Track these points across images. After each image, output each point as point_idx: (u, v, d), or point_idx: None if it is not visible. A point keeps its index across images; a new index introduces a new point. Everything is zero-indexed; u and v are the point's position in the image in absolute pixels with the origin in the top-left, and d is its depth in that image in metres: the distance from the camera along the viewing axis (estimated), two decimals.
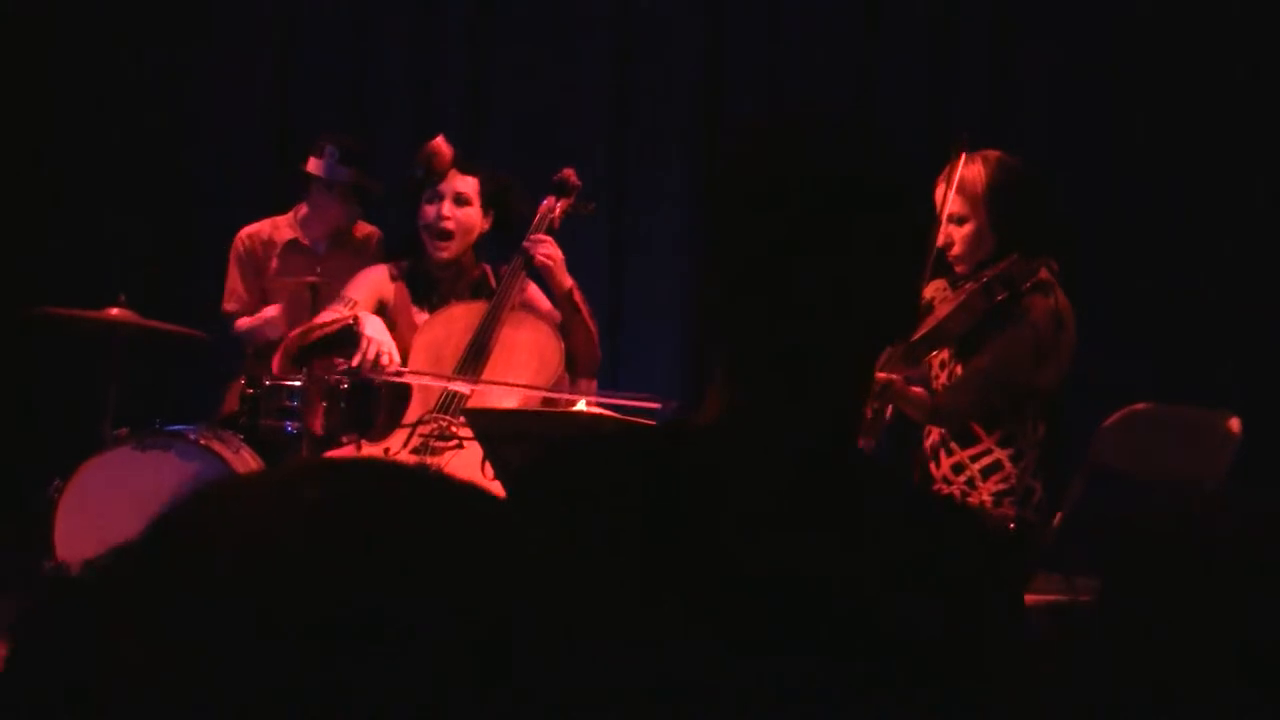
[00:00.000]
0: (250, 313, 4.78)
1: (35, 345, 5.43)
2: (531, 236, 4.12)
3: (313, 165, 4.71)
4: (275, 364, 4.31)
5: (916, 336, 3.66)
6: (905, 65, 5.26)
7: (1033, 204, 3.76)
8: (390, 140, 5.38)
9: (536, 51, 5.55)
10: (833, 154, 1.39)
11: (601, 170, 5.35)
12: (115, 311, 4.56)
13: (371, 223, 4.90)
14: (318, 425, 4.21)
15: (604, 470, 1.39)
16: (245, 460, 4.35)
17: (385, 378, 3.95)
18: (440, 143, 4.20)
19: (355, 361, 3.96)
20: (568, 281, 4.11)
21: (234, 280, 4.84)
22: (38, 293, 4.91)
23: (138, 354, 4.78)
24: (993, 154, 3.74)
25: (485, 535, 0.77)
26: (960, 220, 3.71)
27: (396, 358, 3.99)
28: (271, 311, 4.69)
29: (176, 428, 4.45)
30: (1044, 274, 3.68)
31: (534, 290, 4.22)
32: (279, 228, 4.85)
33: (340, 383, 4.14)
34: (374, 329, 4.00)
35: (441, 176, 4.15)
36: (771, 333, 1.37)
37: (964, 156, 3.70)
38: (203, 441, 4.35)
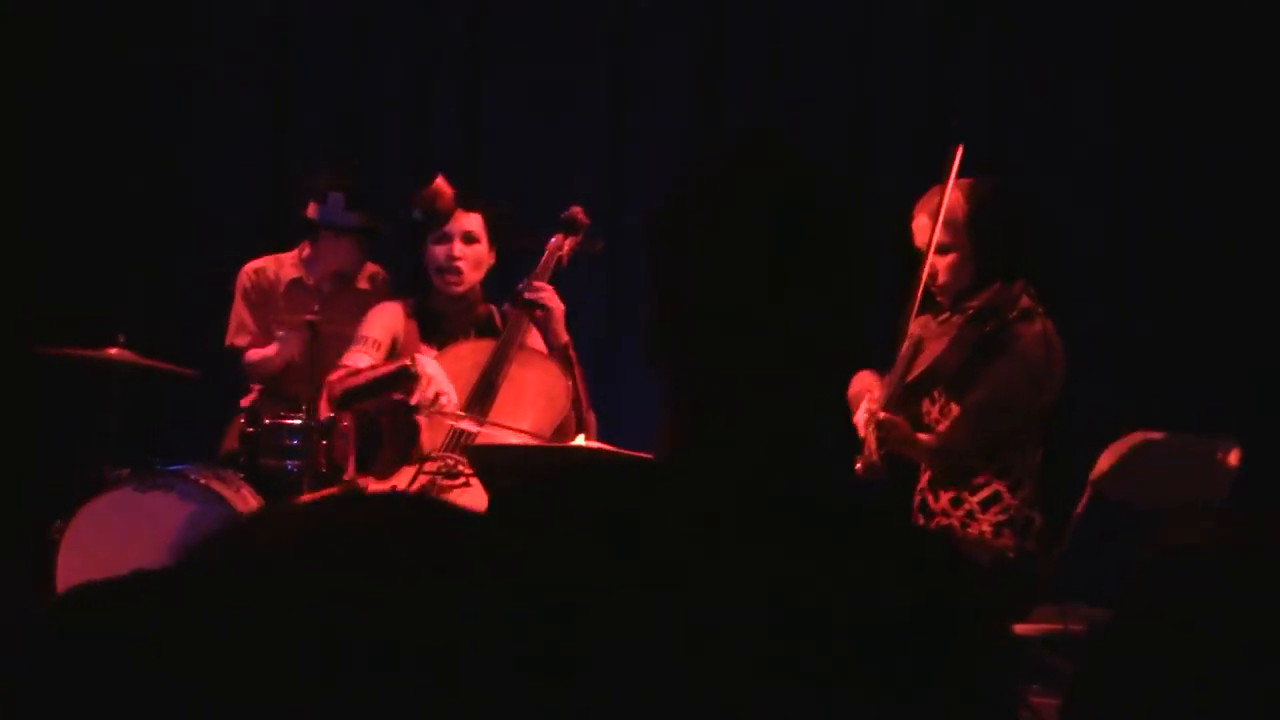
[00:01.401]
0: (261, 345, 4.77)
1: (35, 386, 5.42)
2: (534, 284, 4.13)
3: (316, 211, 4.68)
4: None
5: (912, 377, 3.63)
6: (899, 102, 5.27)
7: (1011, 228, 3.74)
8: (389, 174, 5.38)
9: (533, 86, 5.56)
10: (769, 190, 1.39)
11: (598, 209, 5.37)
12: (114, 351, 4.57)
13: (375, 259, 4.88)
14: (321, 462, 4.22)
15: (561, 506, 1.39)
16: (245, 499, 4.35)
17: (442, 418, 3.95)
18: (441, 183, 4.22)
19: (414, 400, 3.96)
20: (564, 336, 4.13)
21: (241, 314, 4.83)
22: (36, 333, 4.91)
23: (137, 393, 4.78)
24: (966, 181, 3.71)
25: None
26: (943, 250, 3.68)
27: (454, 399, 3.99)
28: (271, 350, 4.69)
29: (176, 467, 4.44)
30: (1025, 301, 3.67)
31: (535, 336, 4.22)
32: (283, 265, 4.84)
33: (391, 416, 4.14)
34: (433, 370, 4.00)
35: (446, 217, 4.17)
36: (709, 370, 1.37)
37: (949, 181, 3.66)
38: (202, 481, 4.34)
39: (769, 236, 1.36)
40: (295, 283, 4.80)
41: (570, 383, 4.09)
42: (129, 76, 5.71)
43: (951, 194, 3.67)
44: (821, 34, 5.34)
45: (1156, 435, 4.00)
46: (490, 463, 3.16)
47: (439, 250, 4.18)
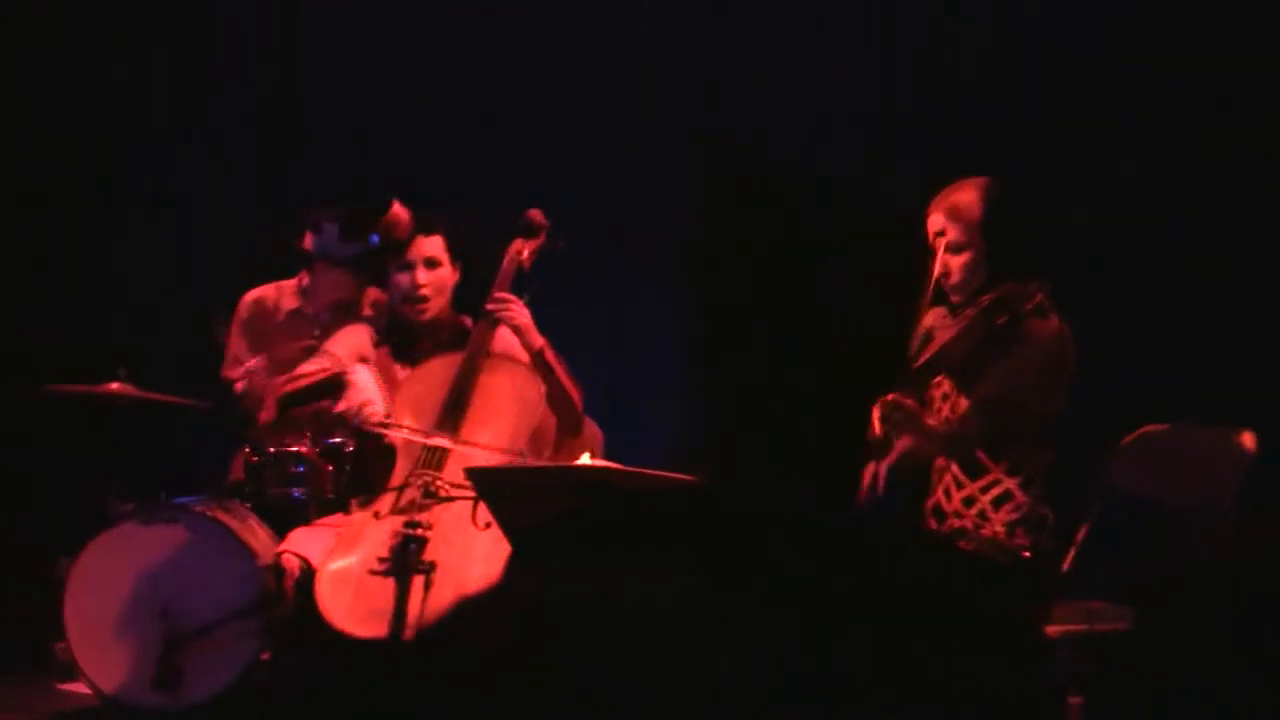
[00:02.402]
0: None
1: (39, 423, 5.40)
2: (495, 295, 4.12)
3: (310, 242, 4.64)
4: (264, 414, 4.31)
5: (919, 363, 3.67)
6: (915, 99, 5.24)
7: (1025, 228, 3.77)
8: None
9: (540, 96, 5.54)
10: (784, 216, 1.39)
11: (599, 222, 5.36)
12: (115, 386, 4.55)
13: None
14: (328, 489, 4.20)
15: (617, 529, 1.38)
16: (253, 530, 4.33)
17: (369, 428, 3.95)
18: (398, 210, 4.24)
19: (340, 408, 3.97)
20: (538, 341, 4.12)
21: (237, 345, 4.81)
22: (38, 370, 4.89)
23: (144, 426, 4.77)
24: (981, 180, 3.74)
25: None
26: (957, 249, 3.71)
27: (381, 409, 3.99)
28: (254, 362, 4.65)
29: (182, 500, 4.42)
30: (1039, 297, 3.68)
31: (513, 341, 4.20)
32: (284, 294, 4.82)
33: (332, 437, 4.14)
34: (362, 379, 4.02)
35: (406, 244, 4.20)
36: (750, 394, 1.37)
37: (956, 183, 3.71)
38: (209, 513, 4.32)
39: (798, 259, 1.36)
40: (295, 312, 4.78)
41: (544, 386, 4.07)
42: (130, 106, 5.71)
43: (966, 192, 3.72)
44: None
45: (1169, 427, 3.98)
46: (493, 487, 3.13)
47: (403, 278, 4.23)
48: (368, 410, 3.97)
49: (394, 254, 4.23)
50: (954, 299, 3.77)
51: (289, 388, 4.15)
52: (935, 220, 3.74)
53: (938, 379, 3.76)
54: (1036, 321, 3.66)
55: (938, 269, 3.70)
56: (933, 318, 3.78)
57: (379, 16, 5.75)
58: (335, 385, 4.02)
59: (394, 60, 5.73)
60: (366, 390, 4.00)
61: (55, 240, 5.77)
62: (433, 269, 4.22)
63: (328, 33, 5.79)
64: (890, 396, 3.59)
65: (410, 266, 4.20)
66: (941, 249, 3.71)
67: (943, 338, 3.71)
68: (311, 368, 4.18)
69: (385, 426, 3.97)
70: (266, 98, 5.80)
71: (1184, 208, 4.88)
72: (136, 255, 5.72)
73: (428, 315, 4.24)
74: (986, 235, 3.70)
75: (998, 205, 3.71)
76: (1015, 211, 3.75)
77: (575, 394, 4.14)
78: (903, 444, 3.63)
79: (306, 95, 5.78)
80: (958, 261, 3.73)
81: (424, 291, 4.22)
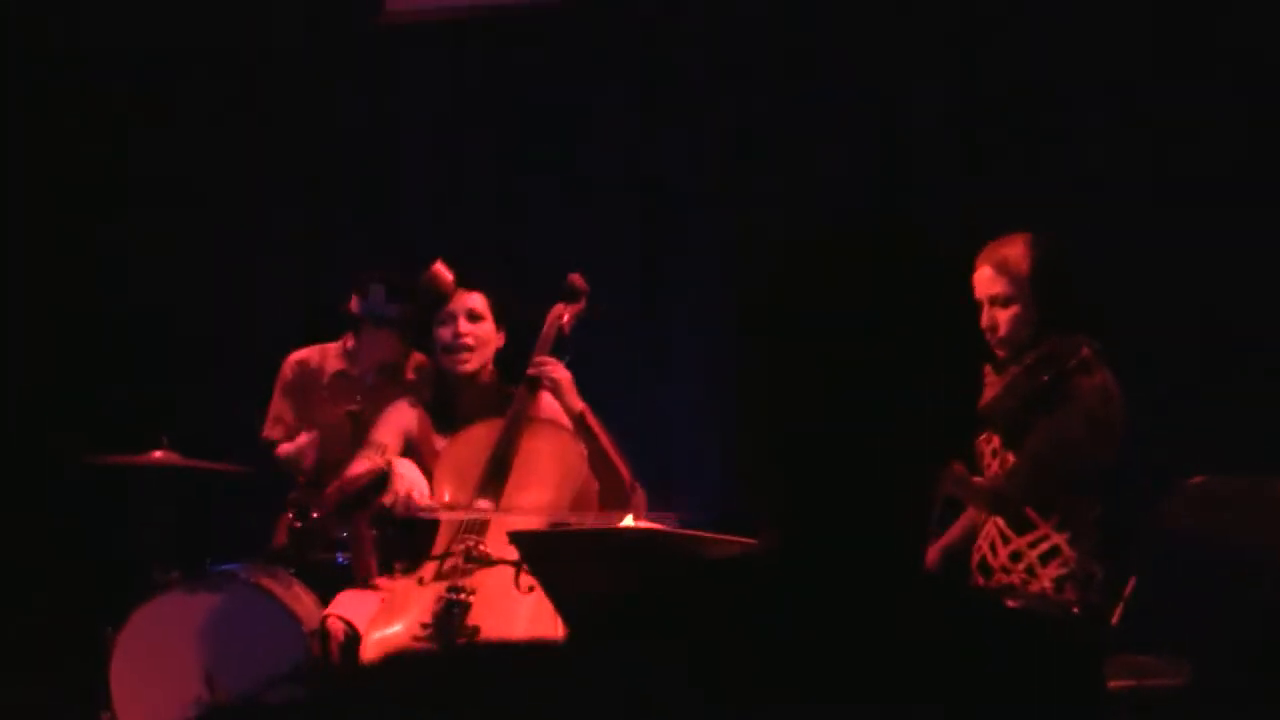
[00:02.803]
0: (295, 438, 4.76)
1: (83, 493, 5.42)
2: (536, 359, 4.10)
3: (357, 305, 4.66)
4: (318, 514, 4.31)
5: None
6: (932, 163, 5.22)
7: (1072, 283, 3.74)
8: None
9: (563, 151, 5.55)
10: (863, 282, 1.38)
11: (634, 280, 5.35)
12: (159, 454, 4.56)
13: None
14: (372, 565, 4.20)
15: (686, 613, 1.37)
16: (298, 596, 4.32)
17: (419, 515, 3.94)
18: (440, 268, 4.23)
19: (389, 501, 3.95)
20: (578, 405, 4.07)
21: (279, 407, 4.82)
22: (80, 441, 4.92)
23: (184, 494, 4.78)
24: (1029, 234, 3.73)
25: None
26: (1005, 302, 3.68)
27: (427, 494, 3.97)
28: (304, 438, 4.66)
29: (226, 567, 4.42)
30: (1085, 352, 3.64)
31: (557, 408, 4.17)
32: (328, 356, 4.83)
33: (384, 526, 4.14)
34: (405, 470, 3.99)
35: (447, 298, 4.18)
36: (822, 464, 1.35)
37: (1004, 238, 3.68)
38: (253, 580, 4.32)
39: (876, 328, 1.36)
40: (340, 374, 4.78)
41: (585, 449, 4.04)
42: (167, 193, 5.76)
43: (1015, 246, 3.70)
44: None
45: (1220, 477, 3.93)
46: (537, 551, 3.12)
47: (444, 332, 4.19)
48: (415, 498, 3.95)
49: (436, 310, 4.20)
50: (999, 353, 3.74)
51: (338, 496, 4.14)
52: (983, 274, 3.71)
53: (986, 435, 3.72)
54: (1082, 378, 3.62)
55: (984, 322, 3.68)
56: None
57: (405, 89, 5.79)
58: (382, 480, 4.01)
59: (427, 128, 5.76)
60: (408, 479, 3.98)
61: (91, 304, 5.81)
62: (475, 322, 4.19)
63: (362, 99, 5.82)
64: (957, 466, 3.55)
65: (452, 318, 4.17)
66: (985, 303, 3.69)
67: (987, 395, 3.67)
68: (363, 467, 4.15)
69: (432, 510, 3.95)
70: (306, 163, 5.84)
71: (1219, 255, 4.84)
72: (179, 317, 5.75)
73: (468, 366, 4.18)
74: (1035, 289, 3.67)
75: (1047, 259, 3.69)
76: (1064, 266, 3.72)
77: (619, 460, 4.09)
78: (963, 523, 3.61)
79: (348, 161, 5.80)
80: (1005, 315, 3.69)
81: (466, 340, 4.17)
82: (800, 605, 1.33)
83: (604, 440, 4.05)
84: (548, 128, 5.57)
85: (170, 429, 4.64)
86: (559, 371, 4.08)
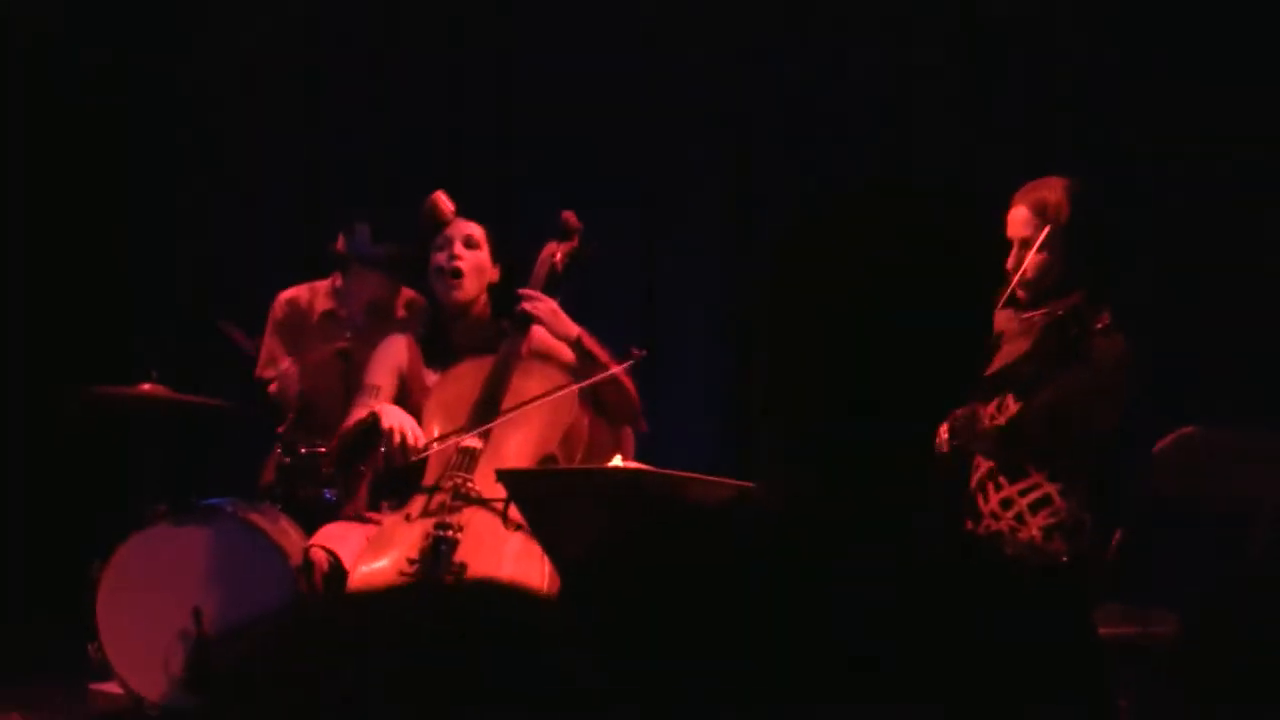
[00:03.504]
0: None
1: (70, 425, 5.41)
2: (526, 293, 4.08)
3: (344, 244, 4.64)
4: (326, 465, 4.29)
5: (991, 371, 3.57)
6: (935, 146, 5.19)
7: (1105, 237, 3.68)
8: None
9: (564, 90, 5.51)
10: (892, 232, 1.37)
11: (635, 225, 5.33)
12: (147, 387, 4.54)
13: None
14: (362, 498, 4.19)
15: (688, 559, 1.36)
16: (285, 531, 4.32)
17: (415, 458, 3.92)
18: (440, 196, 4.19)
19: (384, 451, 3.93)
20: (574, 330, 4.05)
21: (272, 345, 4.80)
22: (69, 371, 4.90)
23: (176, 428, 4.77)
24: (1064, 181, 3.65)
25: None
26: (1040, 247, 3.62)
27: (420, 435, 3.95)
28: (285, 364, 4.64)
29: (213, 501, 4.42)
30: (1107, 317, 3.59)
31: (553, 344, 4.15)
32: (317, 295, 4.80)
33: (387, 474, 4.12)
34: (391, 417, 3.96)
35: (446, 223, 4.14)
36: (833, 414, 1.34)
37: (1043, 180, 3.62)
38: (240, 514, 4.32)
39: (899, 284, 1.34)
40: (328, 314, 4.76)
41: (577, 385, 4.01)
42: (155, 110, 5.72)
43: (1055, 191, 3.61)
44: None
45: (1210, 429, 3.91)
46: (527, 491, 3.11)
47: (440, 256, 4.14)
48: (410, 441, 3.93)
49: (433, 235, 4.16)
50: (1020, 294, 3.67)
51: (337, 449, 4.12)
52: (1018, 214, 3.63)
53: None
54: (1100, 340, 3.56)
55: (1010, 262, 3.61)
56: (1001, 320, 3.67)
57: (394, 19, 5.73)
58: (374, 433, 3.99)
59: (426, 64, 5.72)
60: (398, 425, 3.95)
61: (86, 241, 5.78)
62: (471, 248, 4.14)
63: (355, 38, 5.78)
64: (960, 411, 3.51)
65: (449, 242, 4.13)
66: (1017, 244, 3.61)
67: (1010, 349, 3.61)
68: (364, 412, 4.12)
69: (427, 451, 3.94)
70: (299, 102, 5.80)
71: (1215, 205, 4.82)
72: (168, 256, 5.72)
73: (461, 294, 4.14)
74: (1069, 238, 3.60)
75: (1087, 205, 3.62)
76: (1101, 219, 3.66)
77: (624, 378, 4.04)
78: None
79: (337, 99, 5.76)
80: (1035, 260, 3.62)
81: (459, 264, 4.12)
82: (793, 557, 1.32)
83: (605, 358, 4.03)
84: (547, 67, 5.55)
85: (159, 363, 4.61)
86: (544, 303, 4.05)
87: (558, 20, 5.56)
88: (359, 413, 4.11)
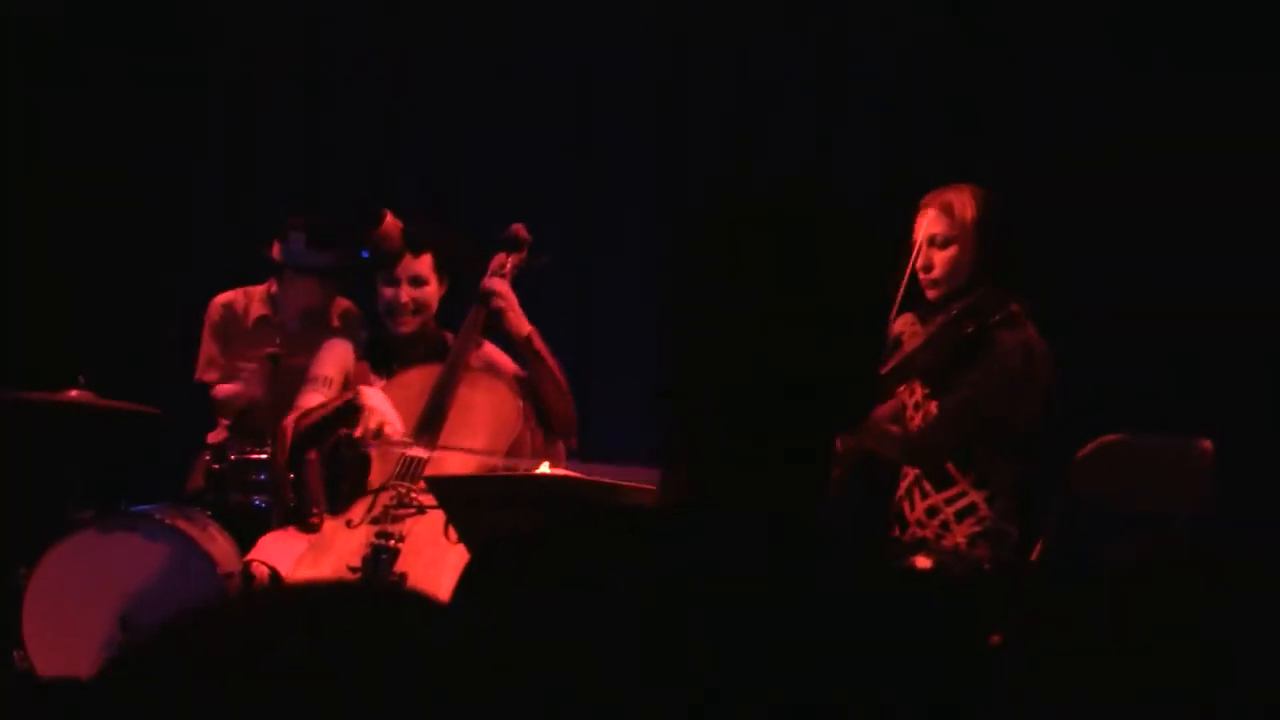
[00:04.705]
0: (228, 380, 4.71)
1: None
2: (483, 286, 4.09)
3: (279, 251, 4.60)
4: (280, 454, 4.25)
5: (884, 370, 3.62)
6: (866, 132, 5.23)
7: (1014, 240, 3.74)
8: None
9: (499, 106, 5.51)
10: (794, 233, 1.38)
11: (565, 226, 5.34)
12: (74, 393, 4.51)
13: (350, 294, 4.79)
14: (289, 497, 4.18)
15: (576, 560, 1.37)
16: (213, 538, 4.30)
17: (389, 446, 3.92)
18: (390, 223, 4.17)
19: (358, 433, 3.93)
20: (526, 327, 4.08)
21: (210, 349, 4.78)
22: None
23: (101, 434, 4.73)
24: (975, 186, 3.71)
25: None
26: (944, 243, 3.67)
27: (399, 427, 3.95)
28: (237, 386, 4.62)
29: (142, 508, 4.39)
30: (1014, 308, 3.64)
31: (496, 351, 4.18)
32: (253, 300, 4.78)
33: (340, 450, 4.11)
34: (376, 401, 3.97)
35: (395, 259, 4.13)
36: (731, 411, 1.35)
37: (951, 185, 3.69)
38: (168, 521, 4.30)
39: (801, 280, 1.35)
40: (262, 319, 4.75)
41: (521, 402, 4.04)
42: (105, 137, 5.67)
43: (963, 192, 3.68)
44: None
45: (1131, 437, 3.97)
46: (452, 496, 3.12)
47: (387, 292, 4.16)
48: (387, 430, 3.93)
49: (381, 268, 4.16)
50: (930, 294, 3.72)
51: (303, 424, 4.09)
52: (926, 214, 3.69)
53: (908, 386, 3.73)
54: (1005, 333, 3.62)
55: (920, 262, 3.66)
56: (902, 324, 3.74)
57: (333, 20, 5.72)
58: (350, 411, 3.98)
59: (359, 65, 5.70)
60: (381, 411, 3.95)
61: (11, 243, 5.72)
62: (418, 287, 4.15)
63: (286, 43, 5.75)
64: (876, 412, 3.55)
65: (396, 282, 4.14)
66: (924, 244, 3.66)
67: (910, 345, 3.68)
68: (315, 400, 4.11)
69: (405, 444, 3.94)
70: (237, 107, 5.77)
71: (1136, 214, 4.87)
72: (94, 258, 5.67)
73: (406, 329, 4.17)
74: (977, 235, 3.65)
75: (993, 208, 3.68)
76: (1008, 218, 3.71)
77: (564, 385, 4.09)
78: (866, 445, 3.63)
79: (265, 104, 5.73)
80: (942, 256, 3.67)
81: (405, 306, 4.14)
82: (686, 560, 1.32)
83: (551, 363, 4.06)
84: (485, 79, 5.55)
85: (86, 368, 4.58)
86: (507, 290, 4.07)
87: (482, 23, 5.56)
88: (311, 399, 4.10)
